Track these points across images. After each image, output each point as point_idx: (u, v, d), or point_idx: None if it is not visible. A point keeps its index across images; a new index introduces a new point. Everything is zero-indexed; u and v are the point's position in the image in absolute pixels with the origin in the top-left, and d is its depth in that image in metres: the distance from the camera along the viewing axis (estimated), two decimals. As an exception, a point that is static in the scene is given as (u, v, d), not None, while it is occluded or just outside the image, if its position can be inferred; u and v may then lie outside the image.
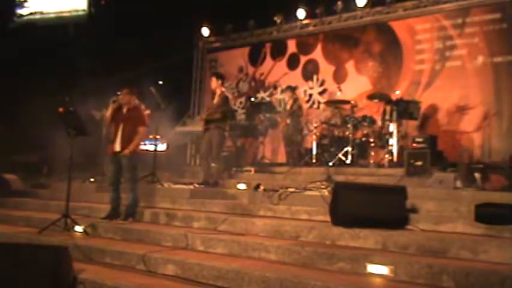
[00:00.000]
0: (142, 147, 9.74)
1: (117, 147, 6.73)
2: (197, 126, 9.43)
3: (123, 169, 6.75)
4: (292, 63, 11.95)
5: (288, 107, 10.16)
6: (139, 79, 10.26)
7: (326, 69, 11.40)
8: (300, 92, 11.40)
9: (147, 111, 8.99)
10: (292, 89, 10.28)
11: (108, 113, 6.83)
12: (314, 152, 9.52)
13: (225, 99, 8.05)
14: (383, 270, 4.30)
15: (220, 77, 8.44)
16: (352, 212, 5.26)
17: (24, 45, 14.02)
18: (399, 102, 8.82)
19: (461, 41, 9.66)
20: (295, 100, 10.14)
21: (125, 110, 6.80)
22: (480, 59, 9.38)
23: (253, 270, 4.48)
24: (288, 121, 9.98)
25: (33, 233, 6.48)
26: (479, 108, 9.19)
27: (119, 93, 6.77)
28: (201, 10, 12.20)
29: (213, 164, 8.06)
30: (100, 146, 9.19)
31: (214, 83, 8.23)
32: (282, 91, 11.14)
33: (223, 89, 8.22)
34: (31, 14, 15.46)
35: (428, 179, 6.98)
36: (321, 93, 11.33)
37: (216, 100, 8.14)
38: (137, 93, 6.95)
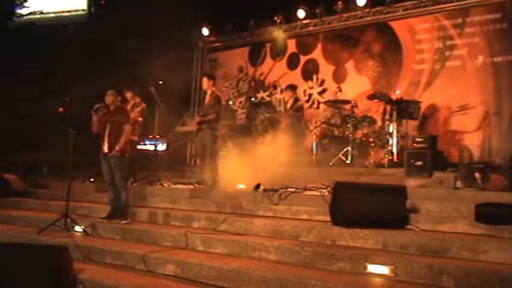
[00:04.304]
0: (142, 147, 9.77)
1: (105, 148, 6.82)
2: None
3: (112, 169, 6.81)
4: (292, 63, 11.95)
5: (289, 106, 10.14)
6: (140, 79, 10.26)
7: (326, 69, 11.40)
8: (299, 92, 11.38)
9: (143, 105, 9.03)
10: (293, 88, 10.23)
11: (95, 122, 6.90)
12: (314, 152, 9.52)
13: (216, 98, 8.04)
14: (383, 270, 4.31)
15: (212, 77, 8.47)
16: (352, 211, 5.26)
17: (24, 45, 14.02)
18: (399, 102, 8.83)
19: (461, 41, 9.65)
20: (296, 100, 10.11)
21: (110, 111, 6.92)
22: (480, 58, 9.37)
23: (253, 270, 4.49)
24: (289, 121, 9.96)
25: (33, 233, 6.49)
26: (479, 108, 9.19)
27: (97, 105, 6.90)
28: (201, 10, 12.19)
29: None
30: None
31: (205, 83, 8.23)
32: (283, 90, 11.10)
33: (213, 89, 8.21)
34: (31, 13, 15.46)
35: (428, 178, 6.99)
36: (320, 93, 11.32)
37: (207, 100, 8.13)
38: (120, 93, 7.13)
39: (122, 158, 6.81)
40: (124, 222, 6.66)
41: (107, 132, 6.83)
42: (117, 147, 6.74)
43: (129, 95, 8.96)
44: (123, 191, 6.84)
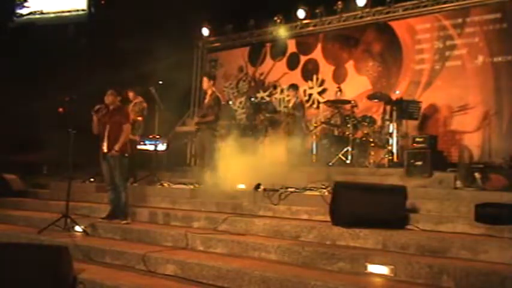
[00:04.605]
0: (142, 146, 9.77)
1: (105, 148, 6.83)
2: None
3: (112, 168, 6.82)
4: (292, 63, 11.95)
5: (290, 105, 10.14)
6: (139, 79, 10.26)
7: (326, 69, 11.40)
8: (299, 92, 11.39)
9: (144, 104, 9.03)
10: (296, 87, 10.25)
11: (95, 122, 6.91)
12: (314, 152, 9.52)
13: (216, 99, 8.03)
14: (383, 270, 4.31)
15: (212, 77, 8.48)
16: (352, 211, 5.26)
17: (24, 45, 14.02)
18: (399, 102, 8.82)
19: (461, 41, 9.65)
20: (298, 99, 10.12)
21: (109, 111, 6.94)
22: (480, 58, 9.37)
23: (253, 270, 4.49)
24: (289, 120, 9.96)
25: (33, 233, 6.49)
26: (479, 108, 9.19)
27: (98, 106, 6.92)
28: (201, 10, 12.19)
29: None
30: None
31: (205, 83, 8.25)
32: (286, 89, 11.09)
33: (213, 89, 8.21)
34: (31, 13, 15.47)
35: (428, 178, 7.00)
36: (320, 93, 11.32)
37: (207, 100, 8.14)
38: (120, 93, 7.15)
39: (121, 157, 6.81)
40: (124, 222, 6.66)
41: (106, 132, 6.84)
42: (116, 147, 6.74)
43: (130, 94, 8.98)
44: (123, 191, 6.84)
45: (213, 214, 6.61)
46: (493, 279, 3.87)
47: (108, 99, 6.93)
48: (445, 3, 9.84)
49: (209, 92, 8.16)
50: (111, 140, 6.79)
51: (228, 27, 12.77)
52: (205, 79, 8.33)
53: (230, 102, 12.30)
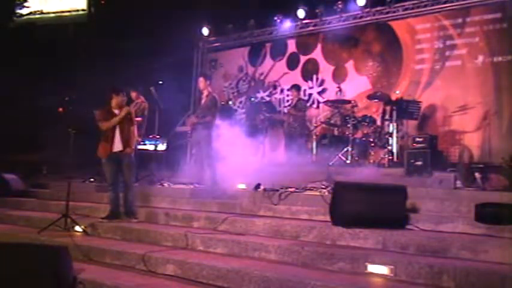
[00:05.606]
0: (142, 146, 9.78)
1: (118, 147, 6.87)
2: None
3: (124, 167, 6.87)
4: (292, 63, 11.95)
5: (292, 105, 10.14)
6: (139, 79, 10.26)
7: (326, 68, 11.40)
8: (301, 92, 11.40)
9: (145, 104, 9.03)
10: (298, 88, 10.27)
11: (108, 124, 6.93)
12: (314, 152, 9.52)
13: (213, 100, 8.03)
14: (383, 270, 4.30)
15: (208, 77, 8.50)
16: (352, 211, 5.25)
17: (24, 45, 14.03)
18: (399, 102, 8.83)
19: (462, 41, 9.65)
20: (299, 100, 10.12)
21: (117, 112, 6.96)
22: (480, 58, 9.37)
23: (253, 270, 4.49)
24: (291, 120, 9.97)
25: (33, 233, 6.49)
26: (479, 108, 9.19)
27: (97, 111, 6.99)
28: (201, 10, 12.20)
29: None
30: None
31: (202, 83, 8.24)
32: (288, 89, 11.10)
33: (210, 89, 8.21)
34: (31, 13, 15.47)
35: (428, 178, 6.99)
36: (320, 93, 11.32)
37: (204, 101, 8.14)
38: (125, 94, 7.18)
39: (132, 156, 6.96)
40: (126, 221, 6.67)
41: (117, 132, 6.87)
42: (132, 145, 6.89)
43: (133, 94, 8.98)
44: (131, 189, 6.92)
45: (213, 214, 6.61)
46: (493, 279, 3.87)
47: (115, 101, 6.96)
48: (445, 3, 9.84)
49: (205, 92, 8.15)
50: (124, 140, 6.87)
51: (228, 27, 12.76)
52: (201, 79, 8.33)
53: (230, 102, 12.31)
